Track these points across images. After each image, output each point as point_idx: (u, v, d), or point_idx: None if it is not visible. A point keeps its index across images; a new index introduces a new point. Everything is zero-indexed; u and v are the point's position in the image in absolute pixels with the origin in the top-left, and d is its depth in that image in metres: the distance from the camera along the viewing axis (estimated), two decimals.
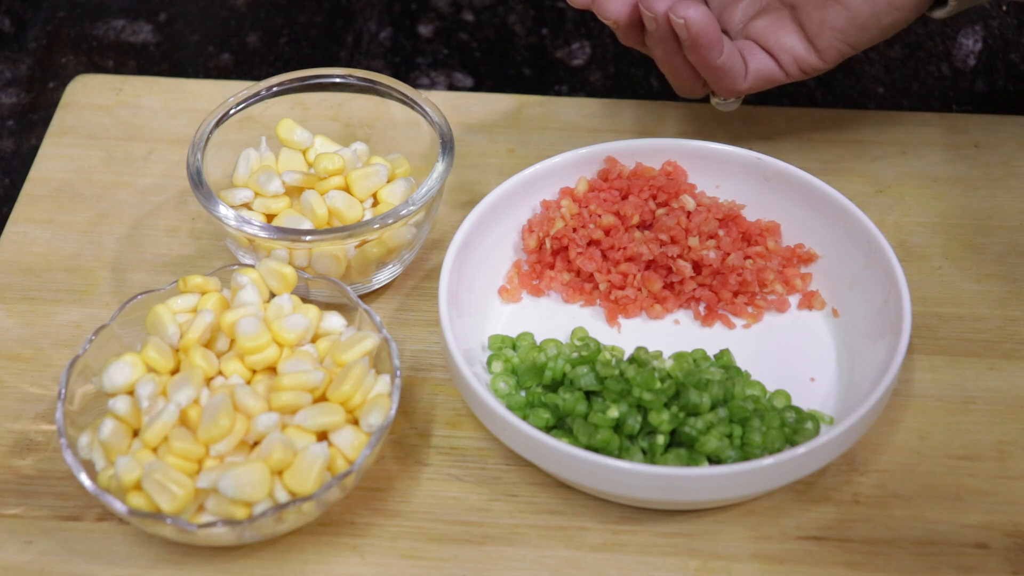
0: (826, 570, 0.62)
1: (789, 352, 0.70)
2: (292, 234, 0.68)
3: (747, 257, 0.71)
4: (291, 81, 0.75)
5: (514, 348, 0.69)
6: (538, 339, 0.70)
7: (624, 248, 0.71)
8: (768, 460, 0.60)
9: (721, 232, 0.72)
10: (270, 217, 0.72)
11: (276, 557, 0.63)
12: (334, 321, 0.66)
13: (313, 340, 0.66)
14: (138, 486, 0.59)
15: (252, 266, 0.67)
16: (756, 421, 0.64)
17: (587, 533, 0.64)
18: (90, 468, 0.61)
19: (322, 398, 0.63)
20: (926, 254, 0.75)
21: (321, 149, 0.75)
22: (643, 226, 0.73)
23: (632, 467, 0.60)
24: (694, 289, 0.71)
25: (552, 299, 0.73)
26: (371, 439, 0.61)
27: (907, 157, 0.80)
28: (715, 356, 0.69)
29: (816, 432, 0.64)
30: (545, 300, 0.73)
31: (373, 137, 0.76)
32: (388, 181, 0.73)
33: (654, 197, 0.73)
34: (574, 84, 0.90)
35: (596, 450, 0.62)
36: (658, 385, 0.63)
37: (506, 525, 0.64)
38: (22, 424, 0.68)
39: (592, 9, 0.70)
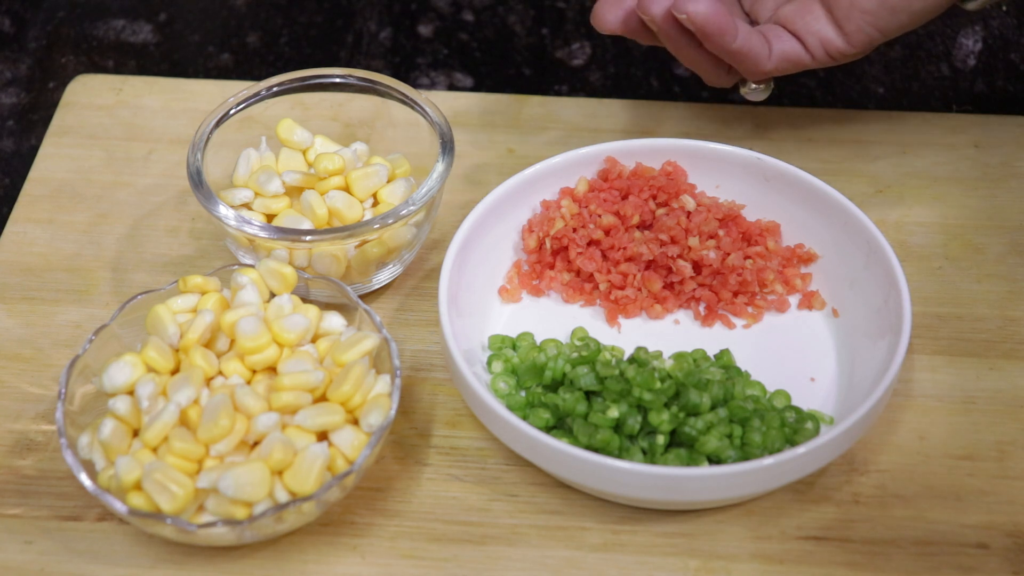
0: (826, 570, 0.62)
1: (789, 352, 0.70)
2: (292, 234, 0.68)
3: (747, 257, 0.71)
4: (291, 81, 0.75)
5: (514, 348, 0.69)
6: (538, 339, 0.70)
7: (624, 248, 0.71)
8: (768, 460, 0.60)
9: (721, 232, 0.72)
10: (270, 217, 0.72)
11: (276, 557, 0.63)
12: (334, 321, 0.66)
13: (313, 340, 0.66)
14: (138, 486, 0.59)
15: (252, 266, 0.67)
16: (756, 421, 0.63)
17: (587, 533, 0.64)
18: (90, 468, 0.61)
19: (322, 398, 0.63)
20: (926, 254, 0.75)
21: (321, 149, 0.75)
22: (643, 226, 0.73)
23: (632, 467, 0.60)
24: (694, 289, 0.71)
25: (552, 299, 0.73)
26: (371, 439, 0.61)
27: (907, 157, 0.80)
28: (715, 356, 0.69)
29: (816, 432, 0.64)
30: (545, 300, 0.73)
31: (373, 137, 0.76)
32: (388, 181, 0.73)
33: (654, 197, 0.73)
34: (574, 84, 0.90)
35: (596, 450, 0.62)
36: (658, 385, 0.63)
37: (506, 525, 0.64)
38: (22, 424, 0.68)
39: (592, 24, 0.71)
